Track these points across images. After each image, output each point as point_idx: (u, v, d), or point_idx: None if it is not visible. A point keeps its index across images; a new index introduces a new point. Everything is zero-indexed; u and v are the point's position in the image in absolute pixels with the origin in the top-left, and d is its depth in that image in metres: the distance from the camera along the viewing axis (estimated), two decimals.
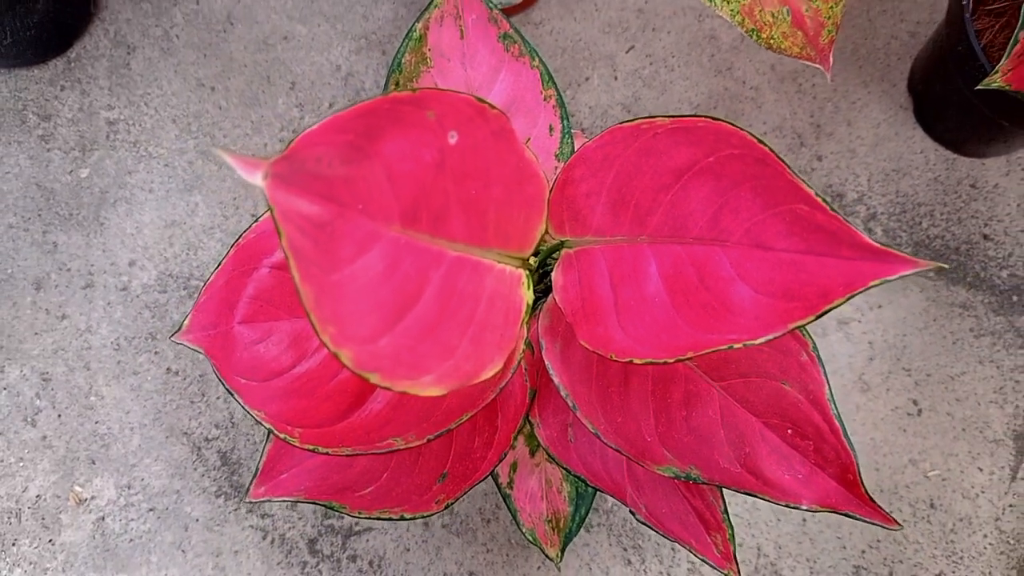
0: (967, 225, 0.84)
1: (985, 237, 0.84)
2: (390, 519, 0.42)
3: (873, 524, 0.40)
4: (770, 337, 0.36)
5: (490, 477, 0.69)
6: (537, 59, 0.51)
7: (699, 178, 0.40)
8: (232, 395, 0.41)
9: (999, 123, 0.72)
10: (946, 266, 0.37)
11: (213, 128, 0.86)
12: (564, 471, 0.54)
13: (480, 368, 0.38)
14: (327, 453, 0.41)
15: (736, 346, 0.37)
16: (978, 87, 0.56)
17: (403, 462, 0.44)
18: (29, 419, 0.80)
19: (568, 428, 0.51)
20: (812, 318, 0.35)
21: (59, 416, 0.80)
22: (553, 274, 0.46)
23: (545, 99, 0.52)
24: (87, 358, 0.81)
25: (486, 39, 0.51)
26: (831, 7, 0.58)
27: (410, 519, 0.43)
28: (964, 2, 0.68)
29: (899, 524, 0.41)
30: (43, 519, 0.78)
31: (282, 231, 0.28)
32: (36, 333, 0.82)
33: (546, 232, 0.45)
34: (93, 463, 0.79)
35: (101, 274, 0.83)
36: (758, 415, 0.43)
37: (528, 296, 0.42)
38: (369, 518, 0.42)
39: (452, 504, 0.44)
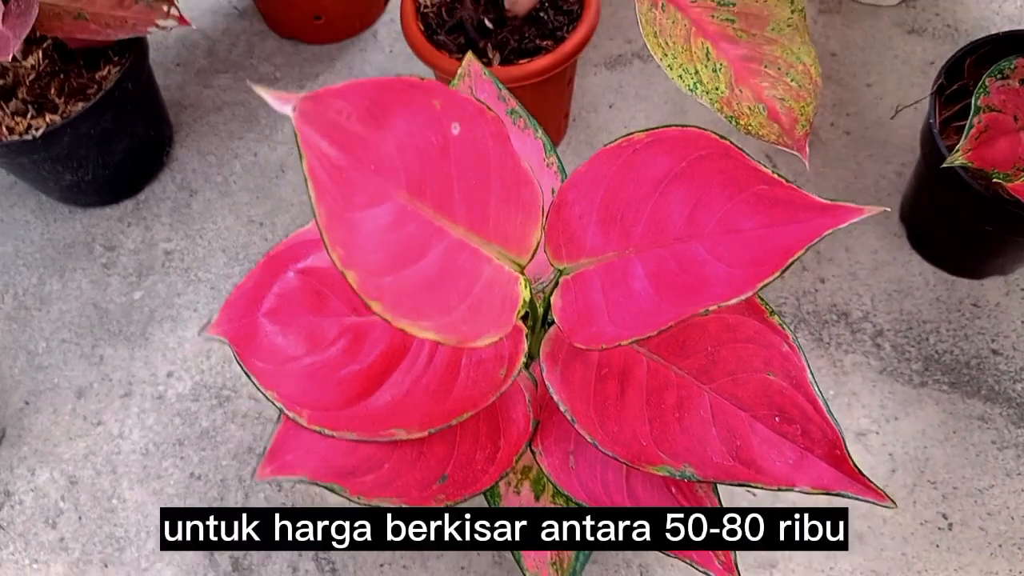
0: (975, 341, 0.86)
1: (994, 352, 0.85)
2: (389, 509, 0.43)
3: (868, 502, 0.40)
4: (743, 297, 0.39)
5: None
6: (540, 131, 0.59)
7: (675, 183, 0.45)
8: (249, 377, 0.44)
9: (984, 229, 0.77)
10: (888, 209, 0.40)
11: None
12: (567, 504, 0.54)
13: (477, 333, 0.41)
14: (332, 436, 0.44)
15: (712, 308, 0.40)
16: (943, 165, 0.62)
17: (405, 456, 0.46)
18: (51, 521, 0.81)
19: (569, 456, 0.52)
20: (778, 274, 0.38)
21: (80, 518, 0.81)
22: (552, 299, 0.50)
23: (548, 165, 0.59)
24: (115, 462, 0.84)
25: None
26: (803, 106, 0.66)
27: (409, 511, 0.44)
28: (931, 121, 0.76)
29: (893, 502, 0.41)
30: None
31: (304, 156, 0.34)
32: (71, 438, 0.85)
33: (542, 259, 0.50)
34: (105, 566, 0.79)
35: (140, 384, 0.88)
36: (746, 408, 0.45)
37: (525, 294, 0.46)
38: (369, 505, 0.43)
39: (453, 506, 0.45)
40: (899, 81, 1.03)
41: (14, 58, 0.83)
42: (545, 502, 0.55)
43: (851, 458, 0.41)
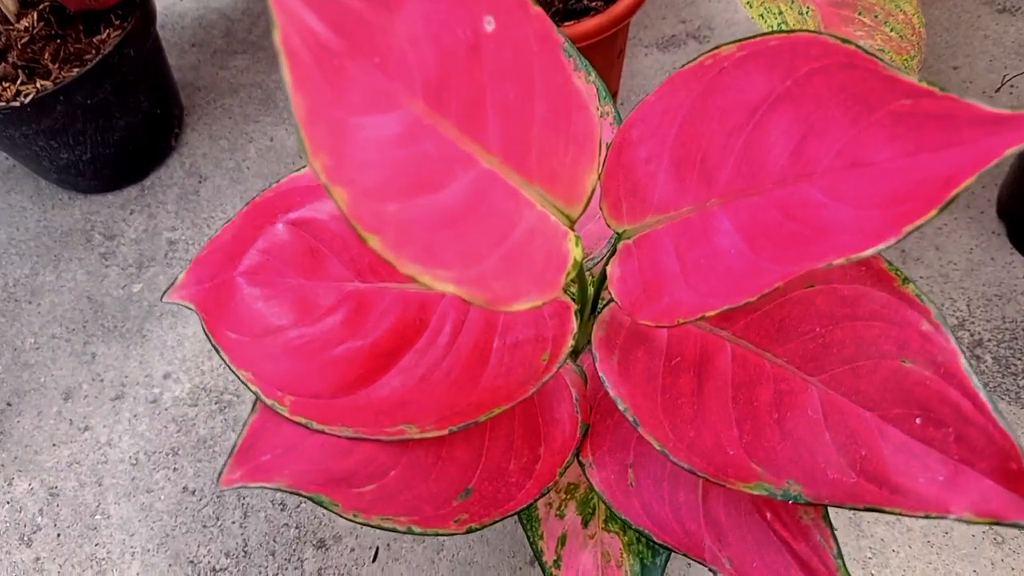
0: None
1: None
2: (394, 530, 0.33)
3: None
4: (881, 246, 0.28)
5: (537, 564, 0.58)
6: (593, 74, 0.48)
7: (776, 109, 0.35)
8: (217, 351, 0.34)
9: None
10: None
11: None
12: (624, 532, 0.43)
13: (512, 295, 0.31)
14: (322, 431, 0.33)
15: (837, 262, 0.29)
16: None
17: (417, 461, 0.35)
18: (26, 538, 0.72)
19: (628, 469, 0.41)
20: (935, 212, 0.28)
21: (58, 535, 0.72)
22: (609, 269, 0.39)
23: (602, 115, 0.49)
24: (101, 473, 0.74)
25: None
26: (906, 59, 0.55)
27: (420, 535, 0.33)
28: None
29: None
30: None
31: (277, 24, 0.24)
32: (54, 444, 0.76)
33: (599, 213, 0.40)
34: None
35: (133, 386, 0.78)
36: (873, 407, 0.33)
37: (576, 253, 0.35)
38: (367, 524, 0.32)
39: (477, 529, 0.34)
40: (990, 63, 0.91)
41: (6, 20, 0.75)
42: (595, 529, 0.44)
43: None
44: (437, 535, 0.34)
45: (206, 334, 0.34)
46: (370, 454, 0.34)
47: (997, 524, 0.30)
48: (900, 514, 0.31)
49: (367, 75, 0.28)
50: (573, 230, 0.36)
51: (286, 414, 0.33)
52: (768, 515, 0.37)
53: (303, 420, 0.33)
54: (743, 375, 0.37)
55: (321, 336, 0.35)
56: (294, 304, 0.36)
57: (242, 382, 0.33)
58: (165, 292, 0.36)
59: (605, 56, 0.77)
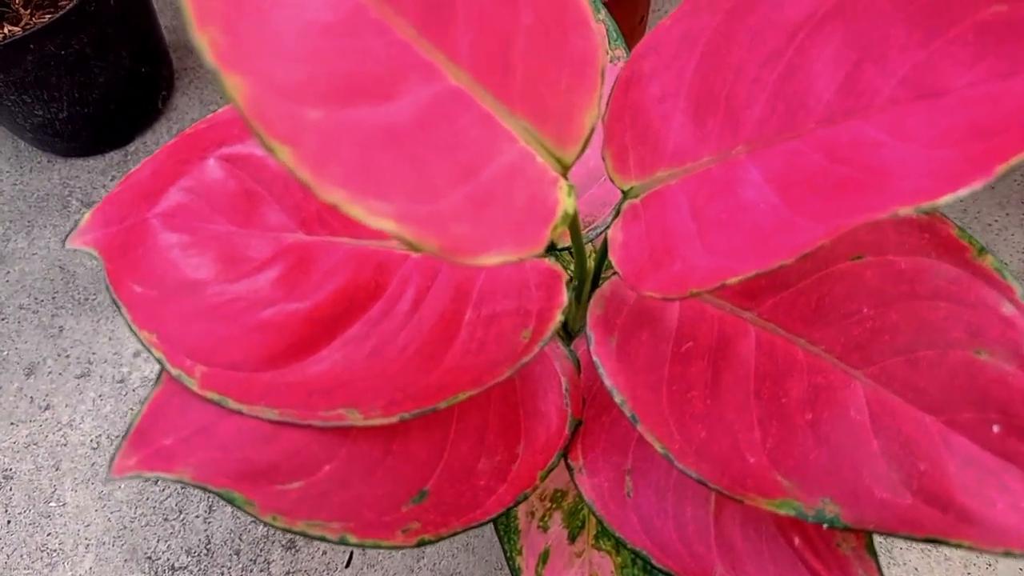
0: None
1: None
2: (324, 538, 0.26)
3: None
4: (964, 191, 0.21)
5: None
6: (602, 13, 0.42)
7: (822, 30, 0.28)
8: (118, 308, 0.28)
9: None
10: None
11: None
12: (617, 552, 0.36)
13: (479, 245, 0.24)
14: (239, 411, 0.27)
15: (903, 212, 0.22)
16: None
17: (359, 455, 0.28)
18: None
19: (625, 476, 0.34)
20: None
21: (8, 523, 0.66)
22: (610, 233, 0.33)
23: (612, 60, 0.42)
24: (59, 456, 0.68)
25: None
26: None
27: (357, 546, 0.26)
28: None
29: None
30: None
31: None
32: (12, 423, 0.70)
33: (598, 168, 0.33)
34: None
35: (100, 363, 0.72)
36: (935, 410, 0.26)
37: (567, 204, 0.28)
38: (290, 531, 0.26)
39: (431, 542, 0.28)
40: None
41: None
42: (583, 546, 0.37)
43: None
44: (378, 547, 0.27)
45: (107, 286, 0.28)
46: (298, 443, 0.27)
47: None
48: (969, 548, 0.24)
49: None
50: (566, 177, 0.29)
51: (195, 388, 0.27)
52: (796, 541, 0.30)
53: (216, 396, 0.27)
54: (770, 365, 0.30)
55: (248, 295, 0.29)
56: (219, 255, 0.29)
57: (144, 346, 0.27)
58: (66, 237, 0.30)
59: (625, 21, 0.70)
